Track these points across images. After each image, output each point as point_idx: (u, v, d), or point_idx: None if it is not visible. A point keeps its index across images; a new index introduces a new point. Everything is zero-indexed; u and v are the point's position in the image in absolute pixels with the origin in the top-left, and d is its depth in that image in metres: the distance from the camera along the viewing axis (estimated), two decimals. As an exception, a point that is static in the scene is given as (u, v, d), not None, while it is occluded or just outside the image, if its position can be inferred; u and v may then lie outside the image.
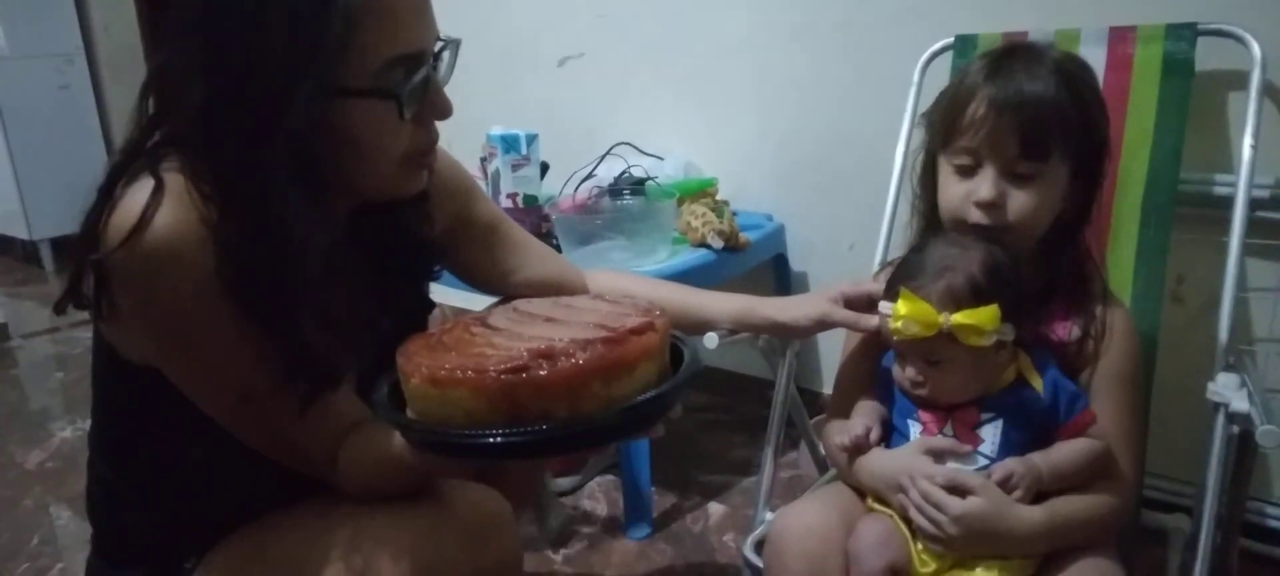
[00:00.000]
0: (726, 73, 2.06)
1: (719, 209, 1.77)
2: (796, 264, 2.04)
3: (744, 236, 1.78)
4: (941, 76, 1.63)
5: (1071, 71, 1.10)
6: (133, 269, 0.79)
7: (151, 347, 0.87)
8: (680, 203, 1.81)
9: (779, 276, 1.99)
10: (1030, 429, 1.04)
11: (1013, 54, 1.11)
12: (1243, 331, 1.50)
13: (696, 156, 2.06)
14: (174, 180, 0.81)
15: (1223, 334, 1.33)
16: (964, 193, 1.08)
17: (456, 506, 0.93)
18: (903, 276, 1.07)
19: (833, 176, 1.97)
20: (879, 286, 1.16)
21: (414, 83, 0.85)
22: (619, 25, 2.22)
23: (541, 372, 0.69)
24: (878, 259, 1.65)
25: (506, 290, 1.18)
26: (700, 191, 1.87)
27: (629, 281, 1.32)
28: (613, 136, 2.07)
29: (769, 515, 1.29)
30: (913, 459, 1.04)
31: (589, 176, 1.96)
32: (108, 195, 0.82)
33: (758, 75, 2.01)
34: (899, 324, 1.00)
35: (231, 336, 0.82)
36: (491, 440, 0.70)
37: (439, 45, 0.89)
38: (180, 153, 0.83)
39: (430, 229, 1.05)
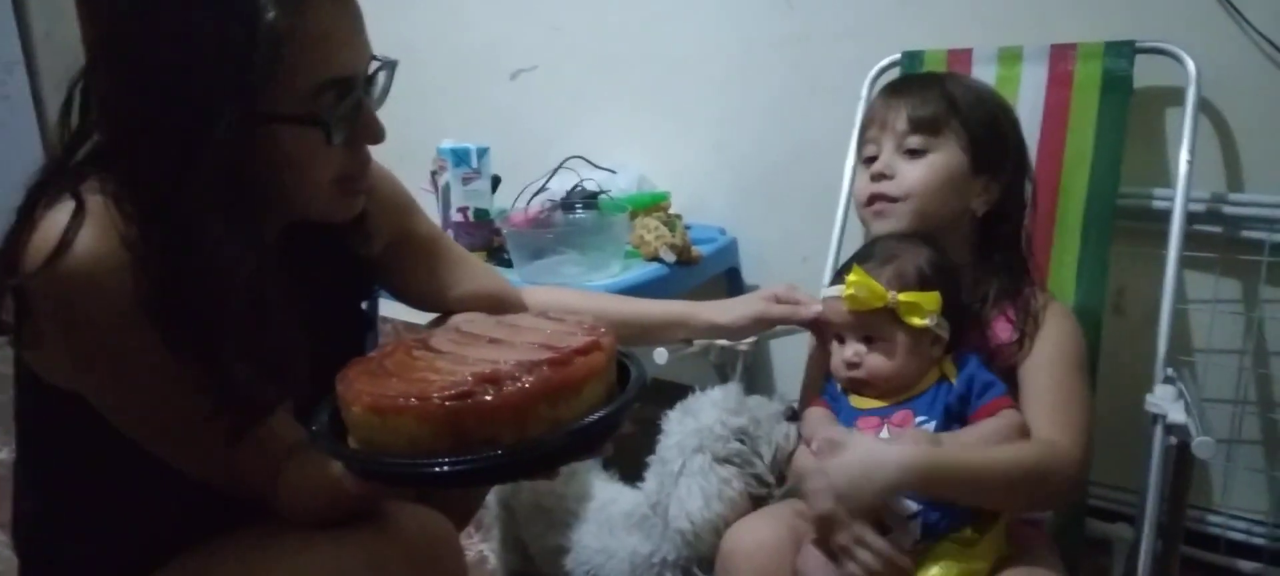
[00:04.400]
0: (680, 87, 2.06)
1: (672, 223, 1.77)
2: (749, 277, 2.04)
3: (697, 250, 1.78)
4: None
5: (967, 79, 1.26)
6: (53, 293, 0.77)
7: (75, 374, 0.84)
8: (633, 217, 1.81)
9: (732, 290, 1.99)
10: (955, 422, 1.08)
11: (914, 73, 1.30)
12: (1182, 342, 1.53)
13: (649, 170, 2.06)
14: (95, 201, 0.78)
15: (1161, 345, 1.36)
16: (866, 175, 1.19)
17: (402, 529, 0.91)
18: (853, 261, 1.13)
19: (785, 190, 1.98)
20: (797, 293, 1.24)
21: (343, 108, 0.84)
22: (572, 39, 2.21)
23: (487, 398, 0.68)
24: (829, 271, 1.66)
25: (446, 306, 1.17)
26: (653, 205, 1.87)
27: (567, 296, 1.32)
28: (566, 150, 2.06)
29: None
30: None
31: (541, 190, 1.95)
32: (27, 215, 0.80)
33: (711, 89, 2.02)
34: (851, 291, 1.05)
35: (156, 363, 0.79)
36: (437, 469, 0.69)
37: (374, 67, 0.88)
38: (103, 172, 0.81)
39: (369, 248, 1.04)
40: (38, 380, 0.87)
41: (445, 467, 0.69)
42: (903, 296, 1.03)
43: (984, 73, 1.58)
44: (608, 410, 0.74)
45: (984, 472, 0.98)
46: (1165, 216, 1.44)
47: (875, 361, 1.08)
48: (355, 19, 0.85)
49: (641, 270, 1.71)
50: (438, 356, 0.78)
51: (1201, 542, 1.55)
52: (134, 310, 0.77)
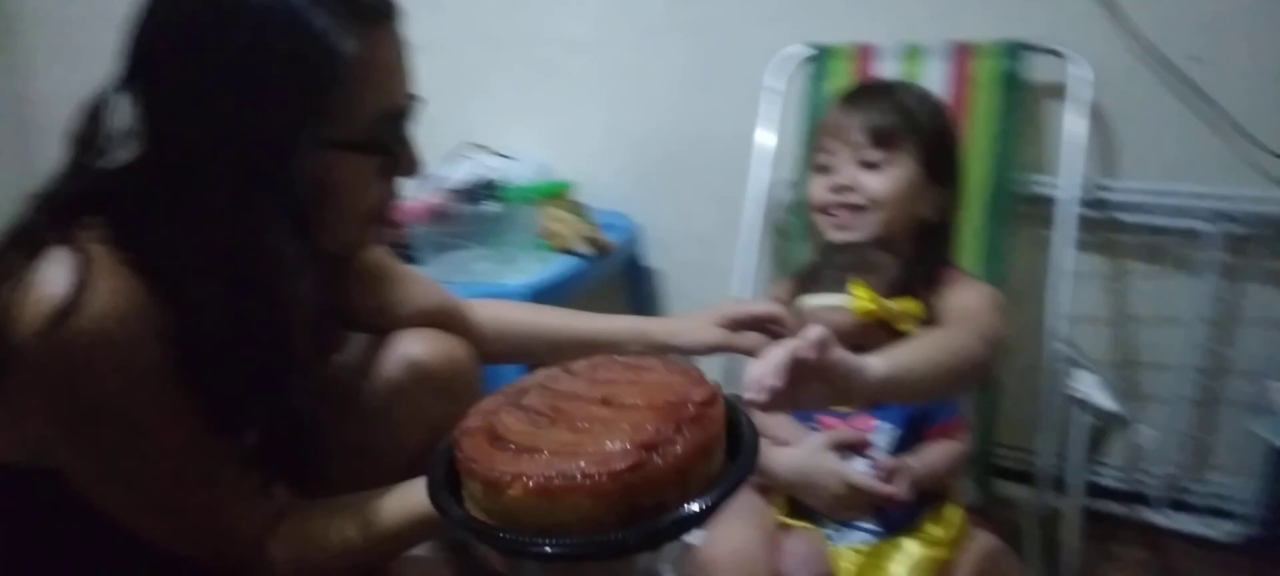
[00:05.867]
0: (575, 69, 2.01)
1: (581, 212, 1.74)
2: (649, 261, 2.05)
3: (608, 240, 1.76)
4: (797, 82, 1.70)
5: (917, 89, 1.30)
6: (59, 357, 0.69)
7: (61, 443, 0.75)
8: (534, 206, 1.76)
9: (633, 276, 1.99)
10: (913, 431, 1.13)
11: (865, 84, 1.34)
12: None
13: (546, 156, 2.00)
14: (98, 251, 0.71)
15: (1053, 320, 1.48)
16: (824, 184, 1.23)
17: None
18: (825, 277, 1.15)
19: (685, 175, 1.99)
20: (763, 307, 1.22)
21: (397, 138, 0.84)
22: (458, 17, 2.11)
23: (658, 463, 0.65)
24: (742, 258, 1.68)
25: (394, 326, 1.11)
26: (556, 194, 1.83)
27: (511, 310, 1.28)
28: (455, 135, 1.97)
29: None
30: (821, 455, 1.10)
31: (432, 178, 1.86)
32: (10, 268, 0.71)
33: (608, 73, 1.99)
34: (862, 303, 1.06)
35: (168, 423, 0.74)
36: (630, 542, 0.65)
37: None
38: (106, 217, 0.75)
39: (348, 289, 1.00)
40: None
41: (630, 537, 0.65)
42: (895, 305, 1.06)
43: (888, 68, 1.64)
44: (748, 455, 0.72)
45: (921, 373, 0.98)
46: (1051, 202, 1.57)
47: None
48: (407, 49, 0.84)
49: (557, 265, 1.67)
50: (551, 424, 0.71)
51: (1092, 492, 1.65)
52: (152, 370, 0.72)
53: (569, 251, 1.68)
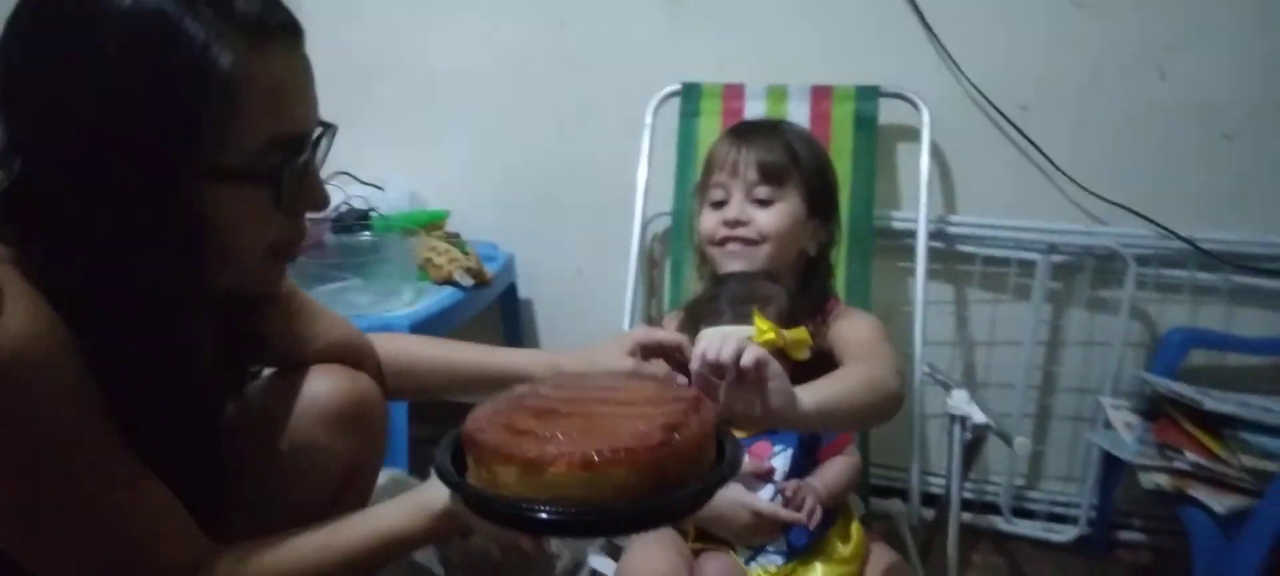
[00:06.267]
0: (445, 99, 1.99)
1: (460, 243, 1.72)
2: (523, 291, 2.05)
3: (487, 270, 1.75)
4: (669, 118, 1.76)
5: (799, 130, 1.38)
6: None
7: None
8: (407, 236, 1.72)
9: (509, 306, 1.98)
10: (807, 452, 1.20)
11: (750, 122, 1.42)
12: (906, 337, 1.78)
13: (414, 186, 1.97)
14: (7, 272, 0.66)
15: (917, 345, 1.60)
16: (717, 219, 1.29)
17: None
18: (722, 308, 1.19)
19: (558, 206, 2.01)
20: (670, 335, 1.23)
21: (293, 168, 0.76)
22: (326, 44, 2.01)
23: (680, 441, 0.70)
24: (622, 288, 1.71)
25: (303, 360, 1.07)
26: (431, 224, 1.80)
27: (416, 344, 1.25)
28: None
29: (600, 560, 1.30)
30: (727, 488, 1.12)
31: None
32: None
33: (478, 104, 1.98)
34: (769, 336, 1.08)
35: (88, 444, 0.70)
36: (678, 506, 0.73)
37: (318, 130, 0.80)
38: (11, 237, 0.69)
39: (260, 321, 0.94)
40: None
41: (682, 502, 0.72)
42: (789, 334, 1.11)
43: (755, 107, 1.73)
44: (739, 441, 0.79)
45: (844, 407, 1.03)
46: (901, 234, 1.72)
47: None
48: (307, 73, 0.77)
49: (437, 296, 1.64)
50: (562, 417, 0.74)
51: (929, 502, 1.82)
52: (68, 390, 0.68)
53: (449, 282, 1.66)
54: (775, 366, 0.86)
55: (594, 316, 1.95)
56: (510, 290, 1.98)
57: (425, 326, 1.53)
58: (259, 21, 0.71)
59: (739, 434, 1.14)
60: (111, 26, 0.66)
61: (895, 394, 1.06)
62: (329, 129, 0.81)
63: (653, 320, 1.82)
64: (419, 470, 1.43)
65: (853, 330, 1.22)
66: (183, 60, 0.66)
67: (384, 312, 1.54)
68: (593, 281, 1.99)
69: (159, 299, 0.71)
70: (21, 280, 0.67)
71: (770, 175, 1.26)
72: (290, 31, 0.75)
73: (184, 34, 0.67)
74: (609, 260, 1.91)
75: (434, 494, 0.81)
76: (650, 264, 1.86)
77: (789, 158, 1.27)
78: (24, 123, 0.70)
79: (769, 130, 1.33)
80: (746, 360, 0.84)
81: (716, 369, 0.86)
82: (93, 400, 0.70)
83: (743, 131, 1.34)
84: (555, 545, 1.31)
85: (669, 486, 0.70)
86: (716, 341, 0.86)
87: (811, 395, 0.92)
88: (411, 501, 0.83)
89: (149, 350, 0.73)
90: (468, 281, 1.65)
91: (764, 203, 1.26)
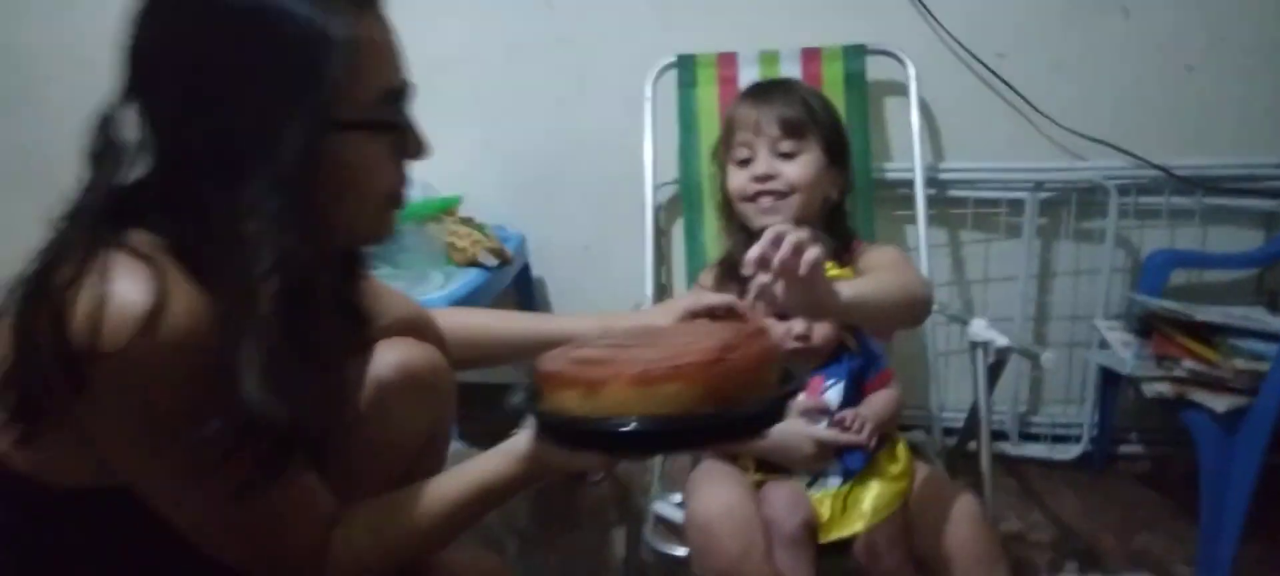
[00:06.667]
0: (445, 86, 2.01)
1: (480, 226, 1.76)
2: (534, 269, 2.11)
3: (508, 250, 1.80)
4: (669, 90, 1.82)
5: (810, 87, 1.47)
6: (141, 366, 0.69)
7: (134, 455, 0.73)
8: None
9: (522, 285, 2.03)
10: (856, 386, 1.28)
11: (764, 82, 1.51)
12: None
13: (422, 174, 1.99)
14: (164, 261, 0.72)
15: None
16: (746, 176, 1.36)
17: None
18: None
19: (562, 184, 2.07)
20: (720, 298, 1.29)
21: (402, 117, 0.84)
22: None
23: (737, 359, 0.73)
24: (646, 256, 1.78)
25: (374, 335, 1.11)
26: (444, 209, 1.84)
27: (475, 316, 1.31)
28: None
29: (665, 506, 1.36)
30: (789, 422, 1.22)
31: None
32: (46, 283, 0.70)
33: (477, 90, 2.02)
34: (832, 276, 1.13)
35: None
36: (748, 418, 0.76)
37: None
38: (143, 222, 0.75)
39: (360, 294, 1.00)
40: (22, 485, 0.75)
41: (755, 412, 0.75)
42: (833, 272, 1.19)
43: (748, 73, 1.79)
44: (798, 369, 0.84)
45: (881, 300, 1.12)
46: (895, 184, 1.82)
47: (821, 331, 1.25)
48: (396, 34, 0.85)
49: (465, 278, 1.69)
50: (624, 349, 0.78)
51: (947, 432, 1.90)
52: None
53: (473, 264, 1.71)
54: (816, 251, 0.91)
55: (604, 289, 2.01)
56: (524, 269, 2.03)
57: (459, 305, 1.57)
58: None
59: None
60: (232, 15, 0.74)
61: (923, 298, 1.17)
62: (412, 86, 0.88)
63: (664, 286, 1.89)
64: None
65: (879, 255, 1.33)
66: (299, 35, 0.73)
67: (420, 296, 1.57)
68: (600, 255, 2.05)
69: (297, 264, 0.76)
70: (176, 266, 0.72)
71: (792, 129, 1.34)
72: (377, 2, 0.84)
73: (295, 12, 0.74)
74: (615, 233, 1.99)
75: (518, 439, 0.87)
76: (657, 232, 1.92)
77: (807, 112, 1.35)
78: (163, 114, 0.75)
79: (785, 88, 1.41)
80: (789, 239, 0.90)
81: (763, 261, 0.91)
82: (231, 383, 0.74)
83: (760, 91, 1.41)
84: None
85: (726, 403, 0.72)
86: (768, 236, 0.92)
87: (848, 287, 1.01)
88: (501, 450, 0.90)
89: (286, 316, 0.77)
90: (492, 261, 1.70)
91: (788, 155, 1.34)
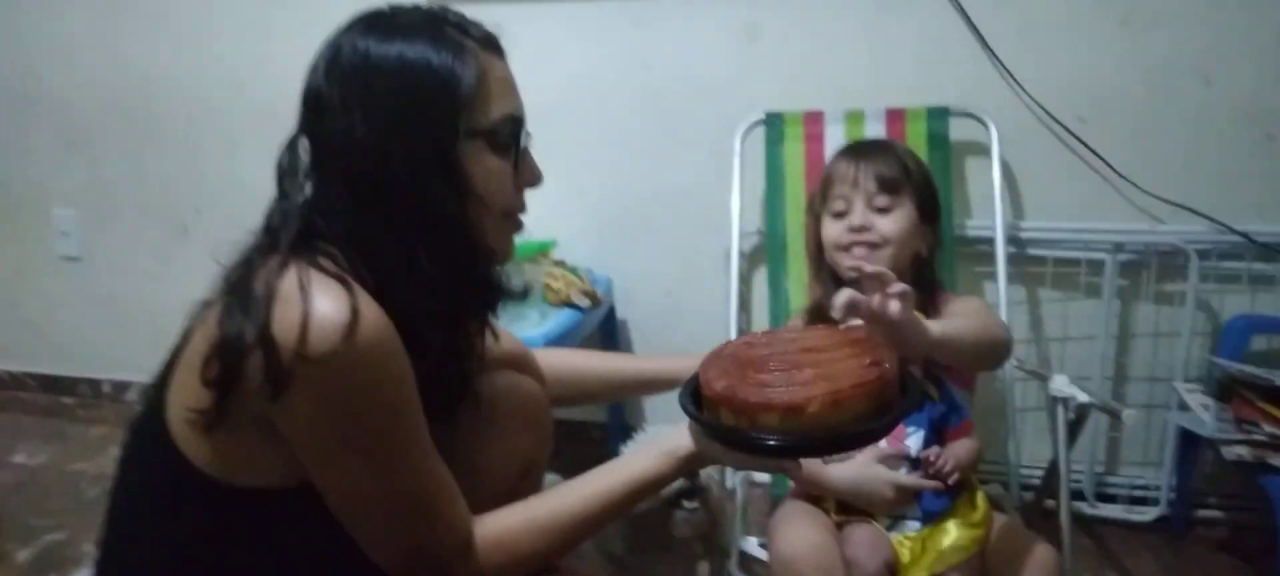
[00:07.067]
0: (542, 134, 2.12)
1: (573, 269, 1.86)
2: (619, 312, 2.20)
3: (599, 292, 1.89)
4: (755, 145, 1.91)
5: (906, 147, 1.55)
6: (341, 371, 0.79)
7: (325, 453, 0.85)
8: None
9: (607, 327, 2.12)
10: (936, 434, 1.34)
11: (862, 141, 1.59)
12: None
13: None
14: (338, 270, 0.84)
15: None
16: (841, 227, 1.43)
17: None
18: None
19: (647, 231, 2.16)
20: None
21: (521, 141, 0.97)
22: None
23: (888, 370, 0.88)
24: (732, 302, 1.86)
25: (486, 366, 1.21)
26: (540, 253, 1.94)
27: (572, 356, 1.40)
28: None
29: (751, 543, 1.44)
30: (871, 468, 1.29)
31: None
32: (248, 289, 0.82)
33: (571, 138, 2.13)
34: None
35: (416, 421, 0.87)
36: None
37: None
38: (325, 243, 0.87)
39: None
40: (203, 486, 0.86)
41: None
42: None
43: (834, 131, 1.87)
44: (917, 392, 0.94)
45: (969, 340, 1.21)
46: (974, 242, 1.88)
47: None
48: (515, 80, 0.99)
49: (561, 317, 1.79)
50: (787, 368, 0.90)
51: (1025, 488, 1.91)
52: (406, 376, 0.85)
53: (567, 304, 1.80)
54: (904, 287, 0.98)
55: (684, 332, 2.10)
56: (610, 311, 2.12)
57: (554, 343, 1.67)
58: (486, 37, 0.95)
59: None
60: (388, 64, 0.89)
61: (1004, 339, 1.27)
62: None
63: (743, 332, 1.96)
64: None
65: (962, 304, 1.40)
66: (438, 75, 0.88)
67: (519, 333, 1.67)
68: (681, 300, 2.14)
69: (447, 266, 0.90)
70: (358, 281, 0.83)
71: (888, 186, 1.41)
72: (501, 48, 0.98)
73: (431, 61, 0.88)
74: (696, 279, 2.09)
75: (679, 442, 0.97)
76: (740, 280, 2.00)
77: (902, 170, 1.43)
78: (332, 147, 0.89)
79: (883, 148, 1.49)
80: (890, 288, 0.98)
81: (853, 306, 0.97)
82: (413, 386, 0.86)
83: (859, 150, 1.49)
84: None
85: (881, 409, 0.86)
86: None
87: (936, 325, 1.09)
88: (658, 450, 0.99)
89: (441, 323, 0.91)
90: (585, 302, 1.80)
91: (883, 210, 1.41)
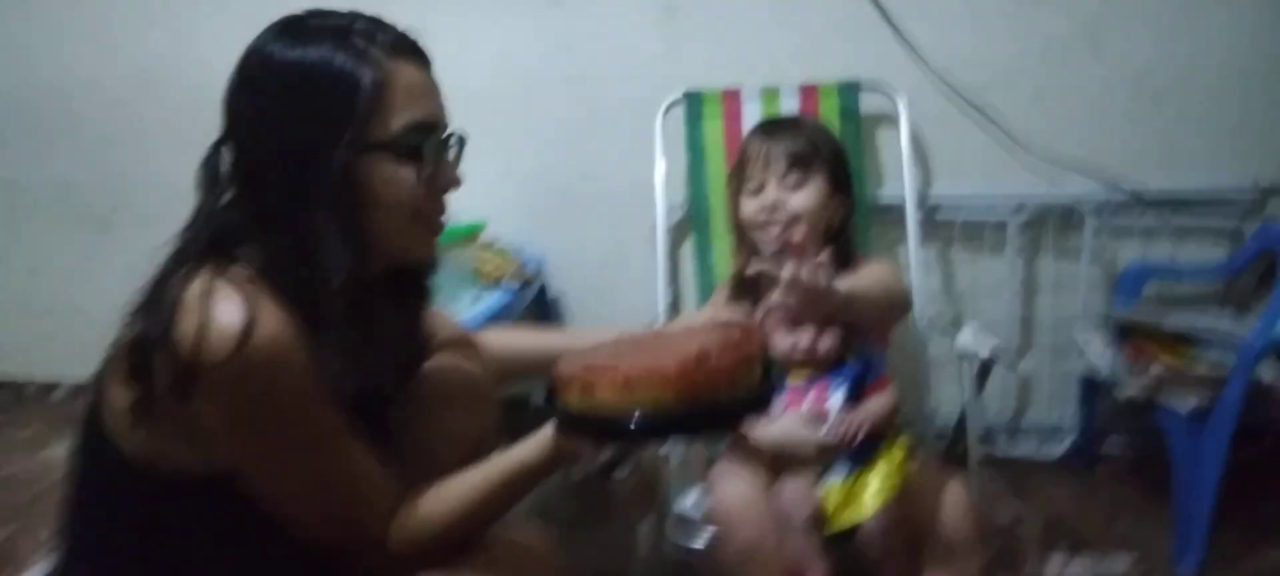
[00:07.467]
0: (467, 121, 2.15)
1: (502, 250, 1.90)
2: (551, 289, 2.25)
3: (529, 271, 1.93)
4: (677, 123, 1.97)
5: (816, 122, 1.64)
6: (241, 376, 0.83)
7: (240, 448, 0.89)
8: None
9: (541, 303, 2.17)
10: (856, 392, 1.41)
11: (774, 119, 1.68)
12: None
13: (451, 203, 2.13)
14: (250, 286, 0.87)
15: (919, 301, 1.83)
16: (757, 204, 1.50)
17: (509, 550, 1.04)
18: (772, 279, 1.37)
19: (575, 209, 2.21)
20: (735, 319, 1.43)
21: (429, 147, 0.96)
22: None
23: (714, 365, 0.86)
24: (660, 275, 1.92)
25: (429, 353, 1.24)
26: (470, 235, 1.97)
27: (513, 335, 1.44)
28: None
29: (687, 504, 1.51)
30: (795, 424, 1.36)
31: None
32: (158, 300, 0.86)
33: (498, 124, 2.14)
34: None
35: (322, 415, 0.90)
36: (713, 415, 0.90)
37: (448, 132, 1.02)
38: (241, 254, 0.90)
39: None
40: (140, 475, 0.90)
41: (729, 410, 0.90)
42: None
43: (751, 107, 1.93)
44: (777, 374, 0.98)
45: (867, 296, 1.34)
46: (887, 209, 1.96)
47: (825, 343, 1.39)
48: (435, 84, 1.00)
49: (493, 298, 1.83)
50: (623, 356, 0.92)
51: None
52: (306, 373, 0.88)
53: (499, 283, 1.84)
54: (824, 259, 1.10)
55: (617, 305, 2.16)
56: (542, 288, 2.17)
57: (492, 322, 1.71)
58: (397, 43, 0.95)
59: (799, 373, 1.38)
60: (288, 70, 0.91)
61: (900, 291, 1.45)
62: (459, 137, 1.03)
63: (675, 302, 2.02)
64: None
65: (868, 268, 1.50)
66: (335, 80, 0.89)
67: (456, 315, 1.71)
68: (613, 274, 2.19)
69: (351, 273, 0.91)
70: (260, 288, 0.87)
71: (798, 162, 1.48)
72: (418, 53, 0.98)
73: (331, 63, 0.90)
74: (626, 254, 2.15)
75: (547, 429, 1.00)
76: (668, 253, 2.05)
77: (811, 147, 1.50)
78: (243, 152, 0.92)
79: (793, 125, 1.56)
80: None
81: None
82: (319, 380, 0.89)
83: (770, 129, 1.56)
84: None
85: (705, 402, 0.85)
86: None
87: (843, 283, 1.21)
88: (534, 437, 1.02)
89: (347, 321, 0.92)
90: (515, 283, 1.84)
91: (795, 187, 1.48)
